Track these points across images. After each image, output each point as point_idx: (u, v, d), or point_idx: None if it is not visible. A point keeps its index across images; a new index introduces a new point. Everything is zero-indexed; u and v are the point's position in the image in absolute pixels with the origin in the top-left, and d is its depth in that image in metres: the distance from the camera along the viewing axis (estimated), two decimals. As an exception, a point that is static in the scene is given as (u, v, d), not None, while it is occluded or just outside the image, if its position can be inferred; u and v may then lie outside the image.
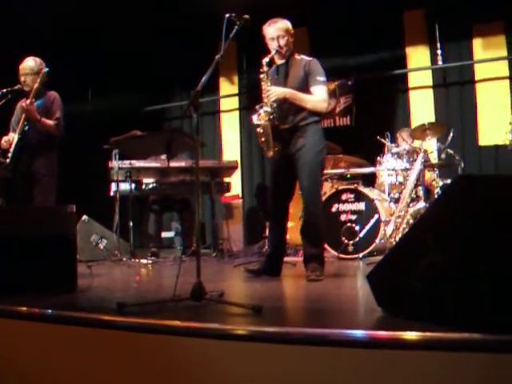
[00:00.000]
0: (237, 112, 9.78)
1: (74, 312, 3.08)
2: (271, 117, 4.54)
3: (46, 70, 5.58)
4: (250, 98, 9.09)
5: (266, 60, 4.64)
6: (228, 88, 9.81)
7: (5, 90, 5.41)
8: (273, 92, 4.53)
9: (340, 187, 6.62)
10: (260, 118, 4.57)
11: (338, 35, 8.51)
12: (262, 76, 4.64)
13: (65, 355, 2.84)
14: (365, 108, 8.45)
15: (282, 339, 2.36)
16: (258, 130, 4.62)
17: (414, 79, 8.43)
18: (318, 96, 4.62)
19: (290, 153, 4.63)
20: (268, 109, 4.54)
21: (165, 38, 9.11)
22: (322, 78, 4.65)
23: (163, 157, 7.19)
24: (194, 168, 7.04)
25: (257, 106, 4.65)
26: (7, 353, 3.04)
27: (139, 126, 6.58)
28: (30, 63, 5.62)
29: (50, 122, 5.49)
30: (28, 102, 5.37)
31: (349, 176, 7.30)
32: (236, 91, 9.77)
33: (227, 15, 3.86)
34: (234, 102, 9.83)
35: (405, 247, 2.75)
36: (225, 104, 9.92)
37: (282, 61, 4.77)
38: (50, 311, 3.07)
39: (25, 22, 7.92)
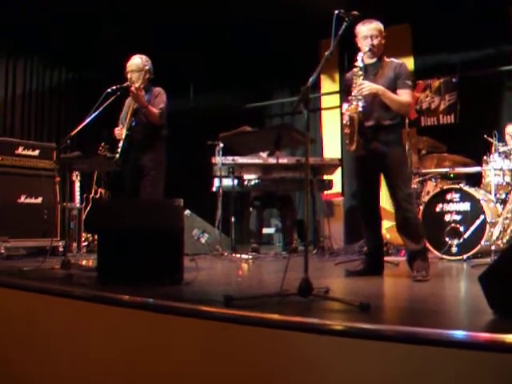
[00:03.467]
0: (338, 110, 9.74)
1: (181, 303, 3.15)
2: (360, 110, 4.54)
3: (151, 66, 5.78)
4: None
5: (360, 55, 4.67)
6: (329, 85, 9.79)
7: (114, 87, 5.57)
8: (366, 86, 4.53)
9: (445, 187, 6.50)
10: (349, 109, 4.58)
11: (442, 31, 8.32)
12: (355, 70, 4.65)
13: (174, 345, 2.93)
14: (470, 106, 8.25)
15: (379, 336, 2.35)
16: (345, 121, 4.63)
17: (521, 76, 8.15)
18: (404, 99, 4.64)
19: (374, 152, 4.62)
20: (360, 103, 4.54)
21: (264, 37, 9.18)
22: (409, 83, 4.71)
23: (263, 154, 7.26)
24: (296, 165, 7.16)
25: (350, 97, 4.63)
26: (113, 338, 3.16)
27: (240, 122, 6.66)
28: (136, 61, 5.80)
29: (155, 110, 5.62)
30: (137, 85, 5.52)
31: (452, 175, 7.14)
32: (337, 89, 9.73)
33: (336, 11, 3.82)
34: (335, 100, 9.80)
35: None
36: (326, 101, 9.92)
37: (372, 60, 4.76)
38: (151, 300, 3.18)
39: (130, 21, 8.21)
